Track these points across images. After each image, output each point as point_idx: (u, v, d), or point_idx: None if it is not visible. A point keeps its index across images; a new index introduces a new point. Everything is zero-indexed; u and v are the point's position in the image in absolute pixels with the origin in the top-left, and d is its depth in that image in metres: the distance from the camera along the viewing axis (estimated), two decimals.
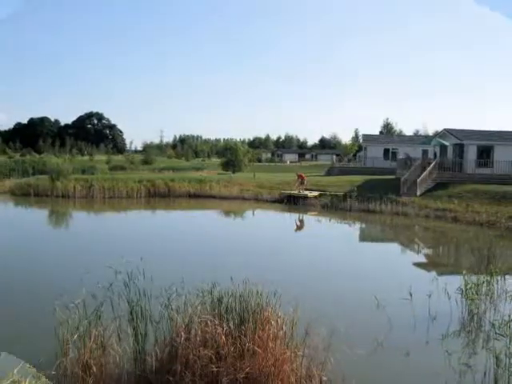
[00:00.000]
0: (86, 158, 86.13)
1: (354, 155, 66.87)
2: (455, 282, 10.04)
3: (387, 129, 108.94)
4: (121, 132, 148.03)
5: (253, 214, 28.07)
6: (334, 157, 63.10)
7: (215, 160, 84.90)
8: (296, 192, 30.25)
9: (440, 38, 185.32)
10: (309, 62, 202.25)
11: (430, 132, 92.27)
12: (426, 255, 17.67)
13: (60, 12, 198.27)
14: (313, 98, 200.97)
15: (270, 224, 24.08)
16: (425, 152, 40.30)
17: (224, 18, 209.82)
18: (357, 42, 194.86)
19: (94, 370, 5.82)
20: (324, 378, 5.96)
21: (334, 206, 27.44)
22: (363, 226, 24.40)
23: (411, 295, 9.16)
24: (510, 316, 7.25)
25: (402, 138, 56.01)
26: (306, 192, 30.01)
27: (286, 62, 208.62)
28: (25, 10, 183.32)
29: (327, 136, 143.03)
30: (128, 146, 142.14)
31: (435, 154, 35.53)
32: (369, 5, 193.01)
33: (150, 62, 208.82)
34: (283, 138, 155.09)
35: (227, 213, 28.00)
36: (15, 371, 5.98)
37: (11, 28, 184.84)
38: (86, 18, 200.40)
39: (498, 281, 10.28)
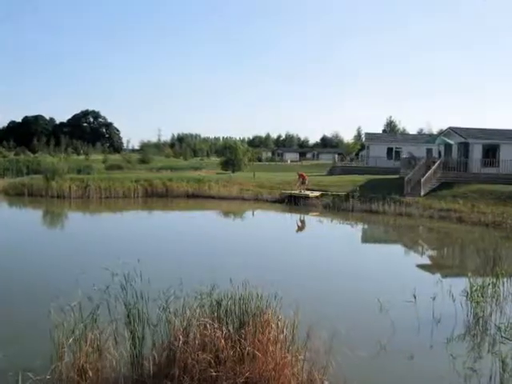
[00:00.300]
0: (82, 157, 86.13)
1: (357, 154, 66.94)
2: (460, 284, 10.05)
3: (390, 127, 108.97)
4: (117, 130, 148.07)
5: (253, 214, 28.08)
6: (336, 156, 63.02)
7: (214, 159, 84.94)
8: (297, 192, 30.24)
9: (440, 38, 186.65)
10: (309, 62, 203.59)
11: (435, 130, 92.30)
12: (430, 257, 17.68)
13: (60, 11, 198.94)
14: (313, 98, 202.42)
15: (270, 225, 24.09)
16: (429, 151, 40.30)
17: (224, 18, 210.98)
18: (357, 42, 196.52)
19: (90, 374, 5.82)
20: (326, 383, 5.96)
21: (335, 206, 27.43)
22: (366, 226, 24.40)
23: (415, 297, 9.16)
24: None
25: (405, 136, 55.99)
26: (308, 192, 30.00)
27: (285, 62, 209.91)
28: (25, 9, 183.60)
29: (329, 135, 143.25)
30: (125, 144, 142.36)
31: (440, 153, 35.54)
32: (369, 5, 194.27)
33: (150, 61, 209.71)
34: (284, 136, 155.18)
35: (226, 213, 28.00)
36: (9, 375, 6.00)
37: (11, 28, 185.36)
38: (85, 18, 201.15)
39: (503, 283, 10.28)
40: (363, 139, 67.79)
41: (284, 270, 12.88)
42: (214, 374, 5.65)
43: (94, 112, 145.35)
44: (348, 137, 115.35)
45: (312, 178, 34.68)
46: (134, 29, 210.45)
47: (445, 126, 33.95)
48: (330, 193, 29.75)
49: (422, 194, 27.47)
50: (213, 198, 31.91)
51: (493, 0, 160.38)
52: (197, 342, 5.95)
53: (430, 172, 28.68)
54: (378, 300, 9.41)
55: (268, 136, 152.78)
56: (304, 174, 31.63)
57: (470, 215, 23.04)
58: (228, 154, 52.21)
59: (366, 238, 21.57)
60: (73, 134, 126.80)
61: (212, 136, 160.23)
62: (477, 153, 30.55)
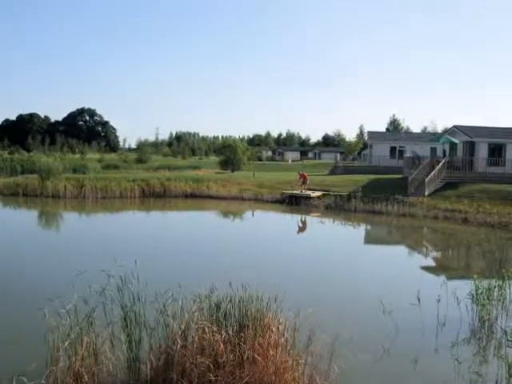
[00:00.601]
0: (78, 156, 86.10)
1: (359, 153, 66.99)
2: (465, 286, 10.03)
3: (394, 126, 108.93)
4: (114, 129, 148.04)
5: (252, 214, 28.07)
6: (338, 155, 63.05)
7: (213, 158, 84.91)
8: (298, 192, 30.25)
9: (440, 37, 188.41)
10: (309, 62, 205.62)
11: (439, 129, 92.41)
12: (435, 258, 17.67)
13: (59, 9, 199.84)
14: (313, 97, 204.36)
15: (270, 225, 24.08)
16: (433, 150, 40.29)
17: (224, 17, 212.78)
18: (357, 42, 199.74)
19: (86, 379, 5.81)
20: None
21: (337, 206, 27.44)
22: (368, 227, 24.40)
23: (419, 300, 9.15)
24: None
25: (409, 135, 55.93)
26: (309, 192, 30.01)
27: (285, 61, 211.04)
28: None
29: (331, 133, 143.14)
30: (121, 143, 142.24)
31: (444, 152, 35.52)
32: (368, 5, 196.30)
33: (149, 60, 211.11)
34: (284, 135, 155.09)
35: (226, 214, 28.00)
36: (3, 379, 5.99)
37: (8, 26, 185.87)
38: (85, 17, 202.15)
39: (510, 285, 10.24)
40: (366, 138, 67.81)
41: (285, 272, 12.88)
42: (212, 378, 5.64)
43: (89, 110, 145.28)
44: (350, 135, 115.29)
45: (313, 177, 34.69)
46: (132, 27, 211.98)
47: (449, 125, 33.97)
48: (331, 193, 29.76)
49: (426, 194, 27.47)
50: (211, 198, 31.93)
51: (493, 0, 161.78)
52: (195, 345, 5.95)
53: (434, 171, 28.69)
54: (381, 302, 9.39)
55: (268, 134, 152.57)
56: (305, 174, 31.62)
57: (475, 216, 23.04)
58: (227, 152, 52.11)
59: (369, 239, 21.57)
60: (68, 133, 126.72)
61: (211, 135, 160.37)
62: (482, 152, 30.57)
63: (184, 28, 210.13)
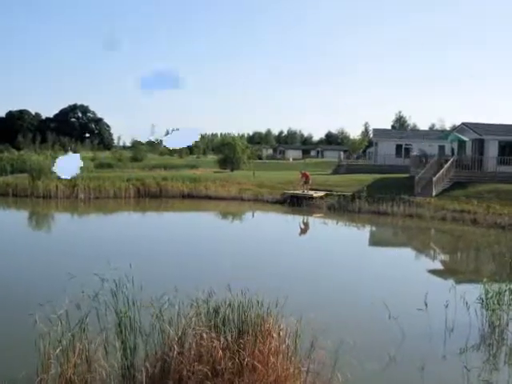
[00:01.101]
0: (70, 154, 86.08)
1: (364, 151, 66.99)
2: (475, 290, 10.03)
3: (400, 123, 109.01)
4: (108, 126, 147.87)
5: (252, 215, 28.09)
6: (342, 153, 62.95)
7: (211, 157, 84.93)
8: (300, 192, 30.26)
9: (441, 34, 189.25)
10: (309, 60, 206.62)
11: (448, 126, 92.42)
12: (443, 261, 17.68)
13: (57, 7, 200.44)
14: (314, 96, 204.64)
15: (271, 227, 24.09)
16: (441, 148, 40.30)
17: (222, 14, 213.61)
18: (357, 40, 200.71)
19: None
20: None
21: (341, 207, 27.43)
22: (373, 229, 24.41)
23: (426, 305, 9.14)
24: None
25: (416, 132, 56.01)
26: (311, 192, 30.01)
27: (285, 61, 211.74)
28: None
29: (334, 131, 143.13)
30: (116, 141, 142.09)
31: (453, 151, 35.54)
32: (369, 2, 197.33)
33: (147, 58, 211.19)
34: (286, 132, 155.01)
35: (225, 214, 28.02)
36: None
37: None
38: (84, 15, 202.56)
39: None
40: (371, 135, 67.83)
41: (286, 275, 12.87)
42: None
43: (82, 106, 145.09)
44: (355, 133, 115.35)
45: (316, 176, 34.69)
46: (132, 26, 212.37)
47: (458, 122, 33.99)
48: (335, 193, 29.75)
49: (434, 194, 27.47)
50: (210, 198, 31.93)
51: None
52: (192, 352, 5.95)
53: (442, 171, 28.68)
54: (387, 307, 9.39)
55: (269, 132, 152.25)
56: (307, 173, 31.59)
57: (485, 217, 23.04)
58: (226, 151, 52.02)
59: (374, 241, 21.59)
60: (60, 130, 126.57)
61: (209, 132, 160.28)
62: (492, 150, 30.55)
63: (183, 27, 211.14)
